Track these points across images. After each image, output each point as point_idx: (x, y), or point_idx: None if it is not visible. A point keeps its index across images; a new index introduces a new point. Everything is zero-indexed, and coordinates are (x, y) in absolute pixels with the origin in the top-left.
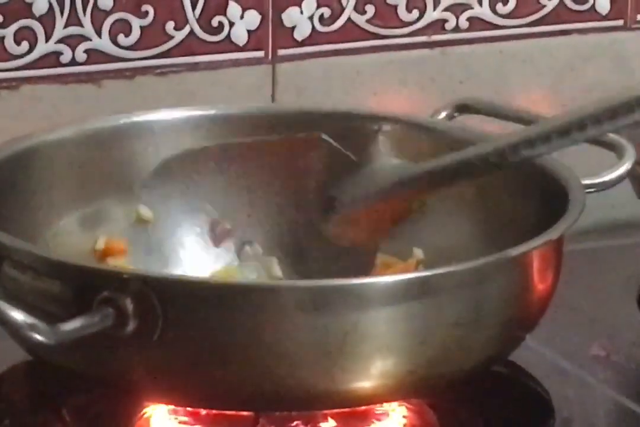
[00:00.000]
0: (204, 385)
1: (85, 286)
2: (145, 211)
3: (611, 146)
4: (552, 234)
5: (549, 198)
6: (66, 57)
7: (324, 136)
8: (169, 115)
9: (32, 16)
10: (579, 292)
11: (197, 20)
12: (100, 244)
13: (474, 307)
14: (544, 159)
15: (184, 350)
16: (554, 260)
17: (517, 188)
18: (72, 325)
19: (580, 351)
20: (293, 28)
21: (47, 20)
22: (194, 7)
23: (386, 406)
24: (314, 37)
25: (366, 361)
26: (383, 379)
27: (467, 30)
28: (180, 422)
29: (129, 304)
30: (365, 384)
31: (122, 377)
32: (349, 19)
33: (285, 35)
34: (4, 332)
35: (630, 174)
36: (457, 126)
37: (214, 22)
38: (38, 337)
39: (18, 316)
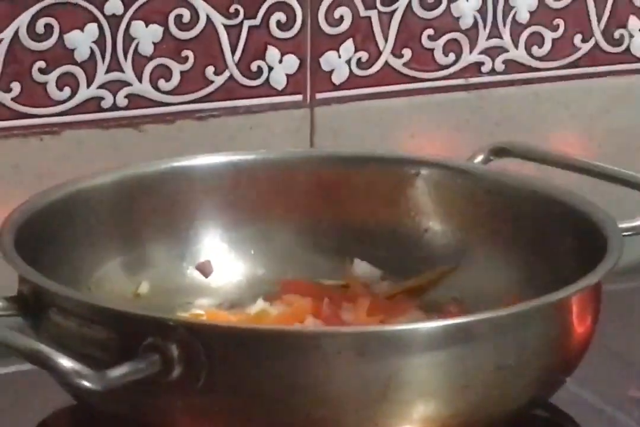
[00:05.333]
0: None
1: (130, 332)
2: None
3: None
4: (591, 279)
5: (586, 242)
6: (107, 102)
7: None
8: (210, 160)
9: (74, 62)
10: (615, 333)
11: (237, 65)
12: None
13: (515, 352)
14: (581, 203)
15: (228, 396)
16: (593, 304)
17: (554, 232)
18: (119, 371)
19: (618, 392)
20: (331, 72)
21: (89, 66)
22: (233, 52)
23: None
24: (352, 81)
25: (409, 405)
26: (425, 423)
27: (503, 72)
28: None
29: (174, 351)
30: None
31: (166, 422)
32: (386, 62)
33: (323, 79)
34: (46, 377)
35: None
36: (494, 170)
37: (253, 66)
38: (85, 383)
39: (65, 362)
